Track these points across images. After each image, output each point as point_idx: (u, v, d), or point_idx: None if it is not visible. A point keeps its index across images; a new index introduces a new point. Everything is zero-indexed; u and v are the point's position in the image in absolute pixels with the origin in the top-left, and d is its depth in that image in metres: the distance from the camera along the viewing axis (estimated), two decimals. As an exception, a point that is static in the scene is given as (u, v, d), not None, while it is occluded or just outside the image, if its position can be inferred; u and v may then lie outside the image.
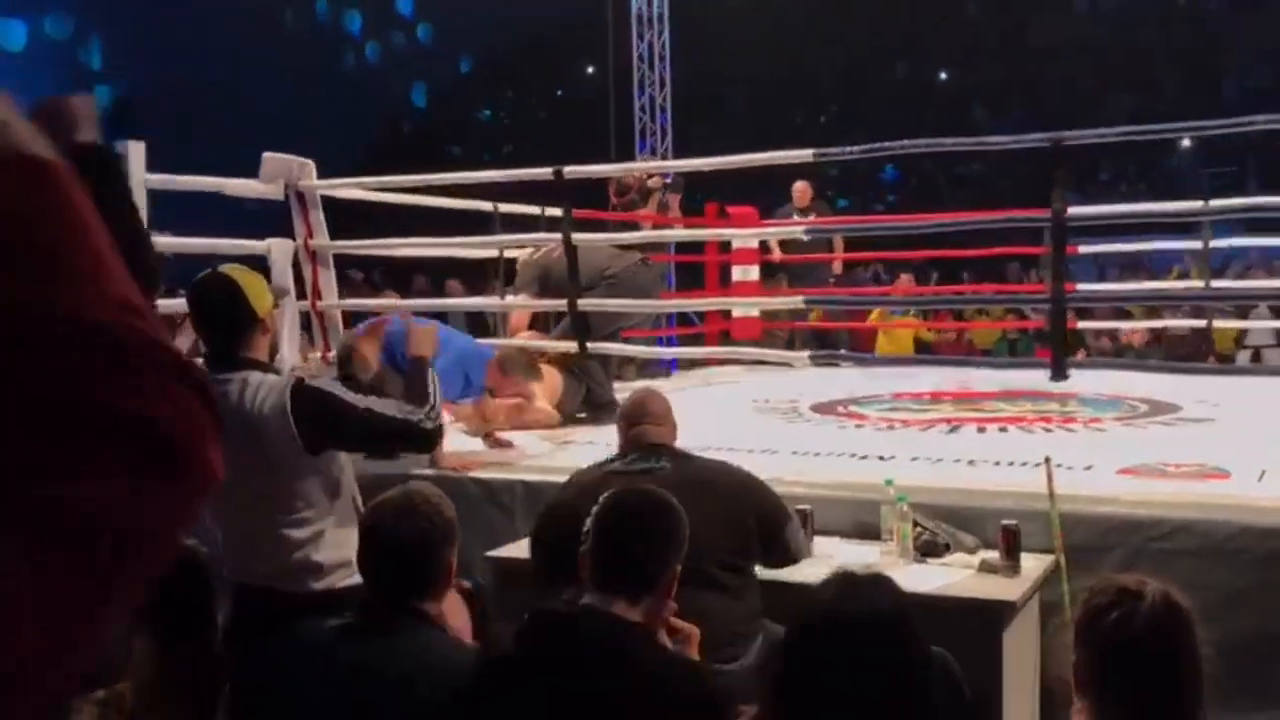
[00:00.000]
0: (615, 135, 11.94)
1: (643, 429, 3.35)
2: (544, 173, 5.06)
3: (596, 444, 4.99)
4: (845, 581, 1.90)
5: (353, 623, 2.27)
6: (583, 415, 5.81)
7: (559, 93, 23.78)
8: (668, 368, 9.41)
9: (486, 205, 6.88)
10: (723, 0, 17.79)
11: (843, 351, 8.68)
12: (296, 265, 5.68)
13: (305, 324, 5.79)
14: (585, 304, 5.06)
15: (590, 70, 21.76)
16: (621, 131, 11.92)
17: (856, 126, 18.30)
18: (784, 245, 8.93)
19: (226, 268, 3.02)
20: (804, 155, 4.72)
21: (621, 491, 2.29)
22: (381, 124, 25.20)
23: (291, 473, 2.82)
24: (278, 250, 5.43)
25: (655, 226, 6.79)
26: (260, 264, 5.42)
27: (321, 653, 2.22)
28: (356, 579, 2.48)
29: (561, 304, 5.23)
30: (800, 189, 9.17)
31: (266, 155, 5.54)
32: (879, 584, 1.90)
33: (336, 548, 2.82)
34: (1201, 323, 7.87)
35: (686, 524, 2.24)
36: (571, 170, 5.02)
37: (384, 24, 25.53)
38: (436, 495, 2.38)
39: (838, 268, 9.56)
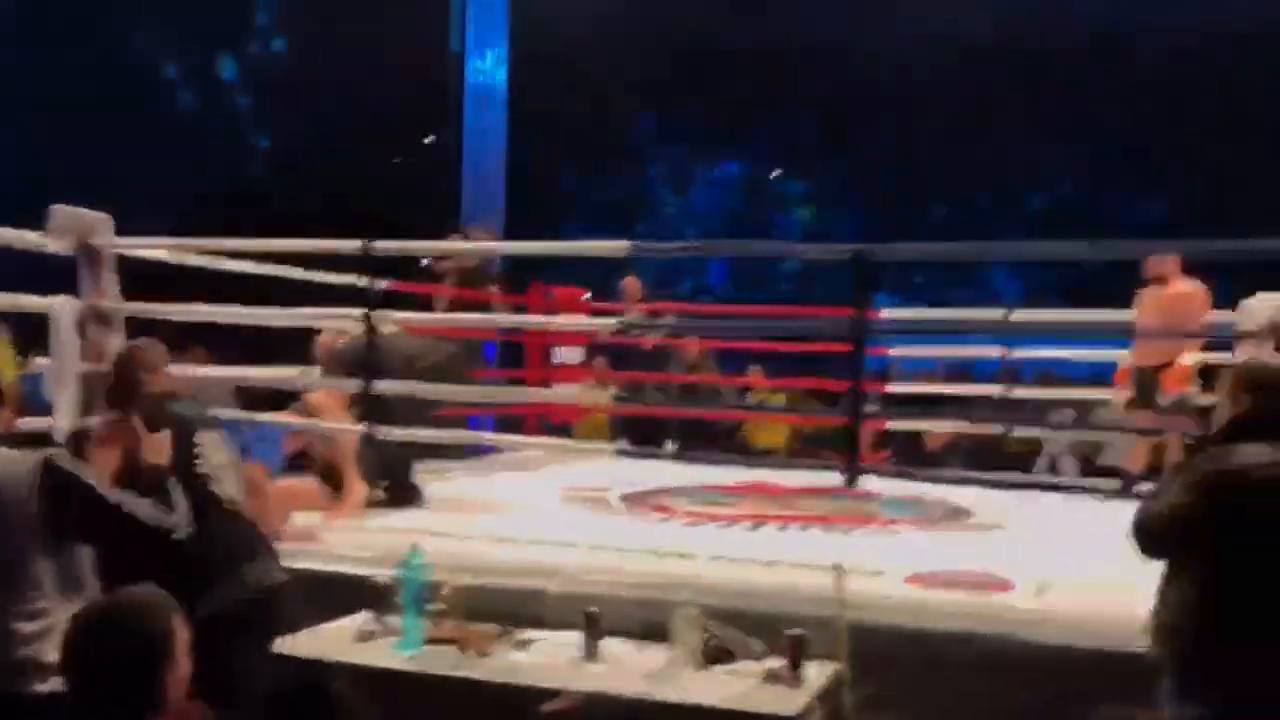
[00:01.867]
0: (447, 209, 11.84)
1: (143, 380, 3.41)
2: (352, 245, 4.89)
3: (396, 528, 4.82)
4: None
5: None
6: (381, 499, 5.61)
7: (395, 161, 23.53)
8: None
9: (299, 273, 6.66)
10: (559, 79, 17.99)
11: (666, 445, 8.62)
12: (84, 325, 5.37)
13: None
14: (382, 387, 4.88)
15: (428, 141, 21.64)
16: (453, 206, 11.83)
17: (686, 220, 18.70)
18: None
19: (-30, 332, 2.78)
20: (621, 247, 4.71)
21: (81, 623, 2.03)
22: (214, 184, 24.42)
23: (27, 557, 2.58)
24: (61, 309, 5.11)
25: (474, 302, 6.67)
26: (42, 322, 5.12)
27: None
28: None
29: (356, 384, 5.04)
30: (629, 285, 9.04)
31: (56, 208, 5.24)
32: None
33: (70, 647, 2.58)
34: (999, 429, 8.18)
35: (159, 624, 2.04)
36: (382, 245, 4.87)
37: (221, 84, 24.92)
38: (150, 606, 2.17)
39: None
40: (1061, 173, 18.00)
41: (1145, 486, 6.19)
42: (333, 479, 5.44)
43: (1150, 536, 2.90)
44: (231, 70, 23.46)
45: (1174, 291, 6.28)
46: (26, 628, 2.56)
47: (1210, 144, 16.00)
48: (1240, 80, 15.84)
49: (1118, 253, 6.44)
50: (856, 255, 4.19)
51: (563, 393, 7.55)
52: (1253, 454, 2.81)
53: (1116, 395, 6.74)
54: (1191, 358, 6.21)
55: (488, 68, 11.54)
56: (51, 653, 2.55)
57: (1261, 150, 14.88)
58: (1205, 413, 5.90)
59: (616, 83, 18.30)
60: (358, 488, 5.36)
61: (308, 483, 5.43)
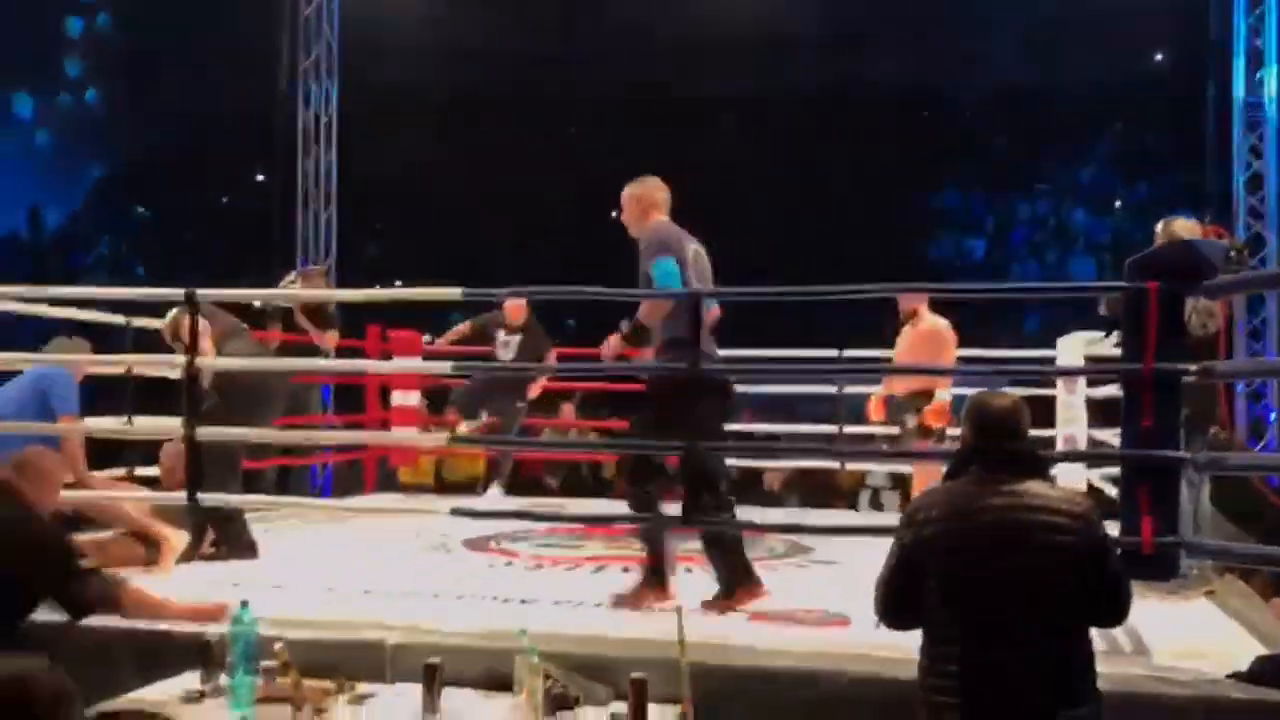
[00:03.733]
0: (280, 251, 11.55)
1: None
2: (174, 293, 4.74)
3: (226, 582, 4.62)
4: None
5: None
6: (211, 551, 5.39)
7: (224, 200, 22.84)
8: (319, 490, 9.02)
9: (119, 319, 6.41)
10: (399, 120, 17.86)
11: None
12: None
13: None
14: (205, 434, 4.70)
15: (259, 179, 21.03)
16: (286, 247, 11.55)
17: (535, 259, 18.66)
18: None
19: None
20: (453, 293, 4.68)
21: None
22: (26, 222, 23.33)
23: None
24: None
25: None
26: None
27: None
28: None
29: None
30: (514, 307, 8.23)
31: None
32: None
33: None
34: (835, 464, 8.45)
35: None
36: (204, 293, 4.72)
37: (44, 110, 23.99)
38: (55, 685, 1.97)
39: (534, 392, 9.06)
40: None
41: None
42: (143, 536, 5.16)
43: (880, 605, 2.93)
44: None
45: (924, 328, 6.44)
46: None
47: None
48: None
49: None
50: (695, 297, 4.28)
51: (399, 435, 7.40)
52: (952, 490, 2.81)
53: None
54: (946, 392, 6.35)
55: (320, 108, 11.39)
56: None
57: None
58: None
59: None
60: (171, 537, 5.10)
61: (120, 541, 5.15)
